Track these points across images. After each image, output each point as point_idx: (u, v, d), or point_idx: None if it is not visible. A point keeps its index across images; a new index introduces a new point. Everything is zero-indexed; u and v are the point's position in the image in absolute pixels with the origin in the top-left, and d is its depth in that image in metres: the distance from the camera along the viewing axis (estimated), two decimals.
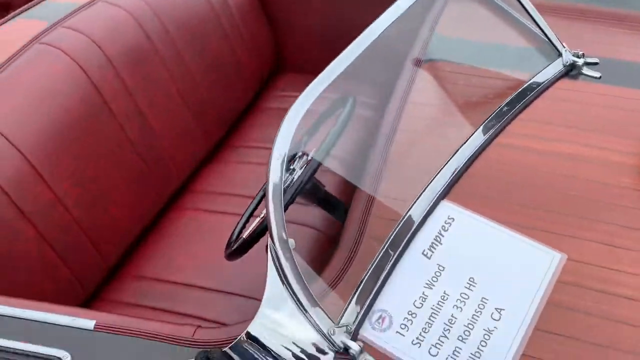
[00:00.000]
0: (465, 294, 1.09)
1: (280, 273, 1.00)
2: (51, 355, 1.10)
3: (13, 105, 1.63)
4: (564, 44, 1.57)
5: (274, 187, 1.01)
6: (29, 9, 2.11)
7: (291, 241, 1.03)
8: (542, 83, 1.48)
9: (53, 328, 1.14)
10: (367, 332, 1.06)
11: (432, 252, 1.15)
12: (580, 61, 1.54)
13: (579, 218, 1.20)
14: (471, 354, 1.02)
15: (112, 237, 1.81)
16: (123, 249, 1.86)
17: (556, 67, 1.53)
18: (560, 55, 1.54)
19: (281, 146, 1.04)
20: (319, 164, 1.30)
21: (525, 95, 1.44)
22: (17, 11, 2.13)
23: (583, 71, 1.54)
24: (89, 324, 1.13)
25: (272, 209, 1.00)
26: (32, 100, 1.66)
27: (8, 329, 1.15)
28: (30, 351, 1.11)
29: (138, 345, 1.09)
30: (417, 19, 1.74)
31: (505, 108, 1.40)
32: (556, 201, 1.24)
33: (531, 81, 1.47)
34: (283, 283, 1.00)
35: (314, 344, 1.01)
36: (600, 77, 1.54)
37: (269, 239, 1.00)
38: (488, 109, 1.39)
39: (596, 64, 1.58)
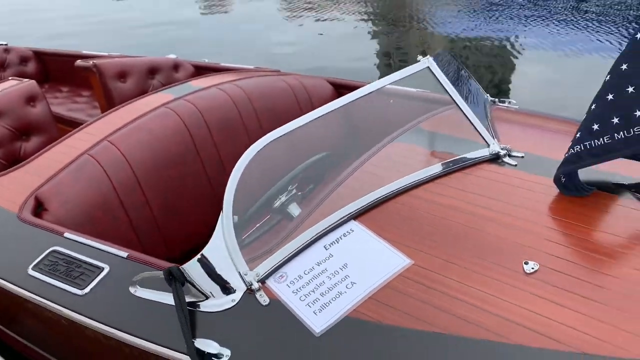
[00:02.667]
0: (337, 271, 1.67)
1: (222, 232, 1.68)
2: (97, 264, 1.89)
3: (136, 139, 2.59)
4: (496, 139, 2.10)
5: (233, 179, 1.72)
6: (172, 87, 3.17)
7: (235, 217, 1.72)
8: (464, 162, 2.02)
9: (104, 254, 1.94)
10: (270, 281, 1.68)
11: (331, 246, 1.75)
12: (503, 152, 2.06)
13: (438, 244, 1.72)
14: (324, 303, 1.59)
15: (178, 238, 2.62)
16: (187, 248, 2.65)
17: (482, 153, 2.06)
18: (488, 145, 2.08)
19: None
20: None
21: (447, 167, 1.99)
22: (163, 87, 3.22)
23: (504, 159, 2.05)
24: (124, 254, 1.91)
25: (229, 190, 1.71)
26: (148, 138, 2.61)
27: (79, 249, 1.97)
28: (85, 261, 1.92)
29: (144, 268, 1.83)
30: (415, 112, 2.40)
31: (428, 173, 1.98)
32: (431, 233, 1.76)
33: (454, 159, 2.02)
34: (224, 239, 1.69)
35: (232, 280, 1.67)
36: (516, 165, 2.03)
37: (222, 210, 1.71)
38: (413, 171, 1.97)
39: (522, 157, 2.08)
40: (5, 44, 5.04)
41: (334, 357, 1.49)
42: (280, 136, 1.85)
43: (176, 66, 4.12)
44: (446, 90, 2.14)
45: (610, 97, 1.74)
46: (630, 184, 1.88)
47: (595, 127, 1.75)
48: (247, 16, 10.48)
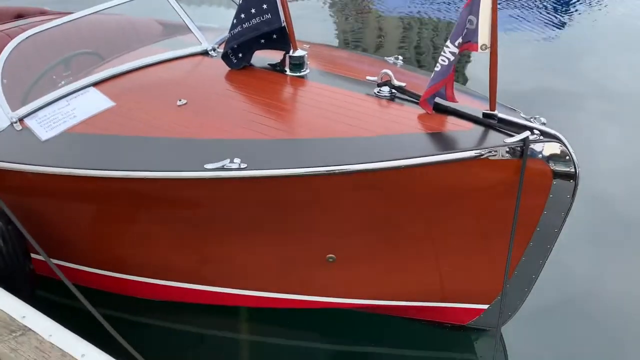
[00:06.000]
0: (68, 112, 2.67)
1: None
2: None
3: None
4: (205, 39, 3.10)
5: None
6: (19, 20, 4.07)
7: (4, 80, 2.67)
8: (181, 54, 3.02)
9: None
10: (26, 119, 2.67)
11: (71, 100, 2.74)
12: (210, 48, 3.06)
13: (133, 93, 2.72)
14: (53, 127, 2.59)
15: None
16: None
17: (196, 49, 3.07)
18: (201, 43, 3.08)
19: None
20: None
21: (171, 56, 2.99)
22: (13, 20, 4.12)
23: (211, 54, 3.06)
24: None
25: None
26: None
27: None
28: None
29: None
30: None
31: (147, 61, 2.96)
32: (134, 88, 2.76)
33: (173, 52, 3.02)
34: None
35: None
36: (216, 56, 3.03)
37: None
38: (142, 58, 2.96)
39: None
40: None
41: (50, 151, 2.49)
42: (41, 31, 2.82)
43: (42, 13, 4.97)
44: (175, 10, 3.14)
45: None
46: (275, 63, 2.92)
47: (235, 20, 2.77)
48: None
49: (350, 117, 2.44)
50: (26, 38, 2.78)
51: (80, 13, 2.98)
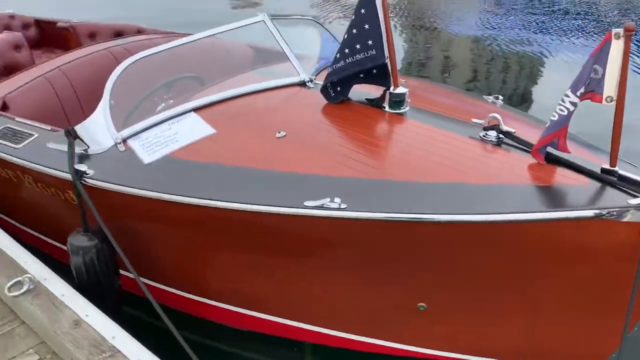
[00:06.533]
0: (170, 136, 2.70)
1: (102, 108, 2.72)
2: (30, 132, 2.95)
3: (80, 68, 3.64)
4: (304, 70, 3.08)
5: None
6: (120, 39, 4.23)
7: (112, 101, 2.75)
8: (282, 83, 3.02)
9: (37, 128, 3.00)
10: (129, 140, 2.72)
11: (172, 124, 2.78)
12: (308, 79, 3.04)
13: (236, 122, 2.72)
14: (155, 150, 2.63)
15: None
16: None
17: (293, 79, 3.05)
18: (299, 74, 3.06)
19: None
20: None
21: (270, 85, 2.99)
22: (114, 38, 4.29)
23: (308, 85, 3.03)
24: (49, 127, 2.95)
25: (109, 83, 2.75)
26: (90, 70, 3.66)
27: (22, 127, 3.04)
28: (24, 131, 2.98)
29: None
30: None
31: (246, 90, 2.97)
32: (236, 116, 2.77)
33: (274, 81, 3.02)
34: (102, 113, 2.72)
35: (105, 137, 2.70)
36: (313, 87, 3.01)
37: (103, 96, 2.74)
38: (242, 87, 2.98)
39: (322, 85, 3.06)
40: (12, 12, 6.14)
41: (153, 174, 2.53)
42: (148, 55, 2.89)
43: (139, 31, 5.17)
44: (275, 38, 3.15)
45: (354, 31, 2.71)
46: (373, 98, 2.86)
47: (338, 55, 2.74)
48: None
49: (453, 161, 2.35)
50: (134, 62, 2.87)
51: (187, 39, 3.05)
